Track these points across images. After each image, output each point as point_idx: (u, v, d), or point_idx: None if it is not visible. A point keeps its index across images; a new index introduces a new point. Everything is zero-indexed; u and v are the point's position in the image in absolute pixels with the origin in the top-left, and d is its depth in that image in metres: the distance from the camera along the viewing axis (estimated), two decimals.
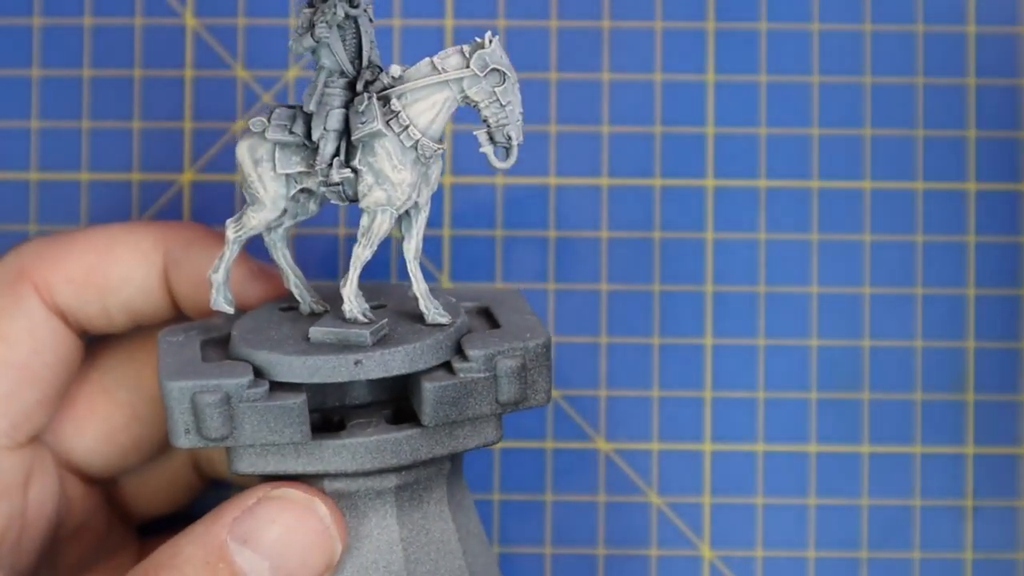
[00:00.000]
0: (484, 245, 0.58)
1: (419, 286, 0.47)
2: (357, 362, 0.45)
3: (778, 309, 0.58)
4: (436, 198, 0.58)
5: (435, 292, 0.48)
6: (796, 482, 0.58)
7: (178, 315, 0.51)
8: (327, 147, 0.46)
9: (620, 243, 0.58)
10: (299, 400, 0.45)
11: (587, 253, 0.58)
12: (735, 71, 0.59)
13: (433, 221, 0.58)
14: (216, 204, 0.59)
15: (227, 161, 0.59)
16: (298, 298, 0.49)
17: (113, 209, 0.59)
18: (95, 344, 0.53)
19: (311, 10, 0.46)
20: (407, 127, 0.46)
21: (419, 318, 0.47)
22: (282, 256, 0.49)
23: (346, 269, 0.47)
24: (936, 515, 0.58)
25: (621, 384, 0.58)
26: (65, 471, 0.51)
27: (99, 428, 0.51)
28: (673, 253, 0.58)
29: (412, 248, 0.47)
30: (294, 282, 0.49)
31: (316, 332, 0.46)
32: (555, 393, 0.58)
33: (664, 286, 0.58)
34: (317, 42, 0.46)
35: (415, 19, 0.59)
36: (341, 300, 0.47)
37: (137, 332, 0.52)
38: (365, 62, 0.47)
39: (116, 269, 0.50)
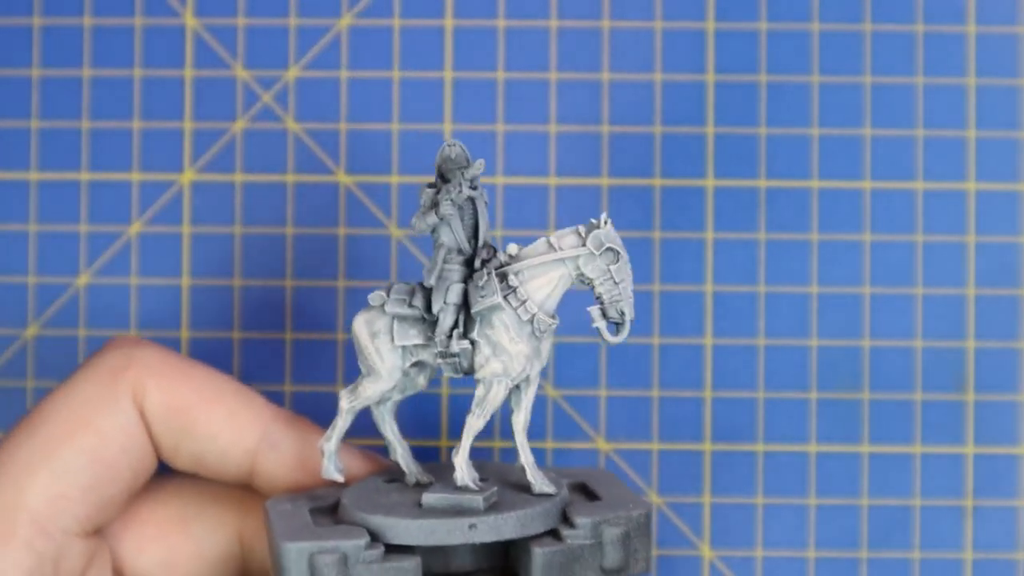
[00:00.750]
0: None
1: (527, 458, 0.49)
2: (471, 526, 0.46)
3: (778, 309, 0.58)
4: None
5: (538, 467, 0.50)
6: (796, 482, 0.58)
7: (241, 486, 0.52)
8: (447, 319, 0.48)
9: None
10: (414, 562, 0.46)
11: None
12: (735, 71, 0.59)
13: None
14: (216, 204, 0.59)
15: (227, 161, 0.59)
16: (404, 469, 0.50)
17: (113, 209, 0.59)
18: (181, 475, 0.53)
19: (433, 190, 0.48)
20: (524, 302, 0.48)
21: (525, 488, 0.49)
22: (390, 429, 0.50)
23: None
24: (936, 515, 0.58)
25: (621, 384, 0.58)
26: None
27: (161, 554, 0.52)
28: (673, 253, 0.58)
29: (521, 420, 0.49)
30: (401, 454, 0.50)
31: (429, 498, 0.48)
32: (555, 393, 0.58)
33: (664, 286, 0.58)
34: (441, 220, 0.48)
35: (415, 19, 0.59)
36: (446, 472, 0.49)
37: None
38: (481, 241, 0.49)
39: (206, 424, 0.51)
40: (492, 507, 0.47)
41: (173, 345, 0.58)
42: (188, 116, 0.59)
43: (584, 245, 0.48)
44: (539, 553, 0.47)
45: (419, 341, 0.48)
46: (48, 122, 0.59)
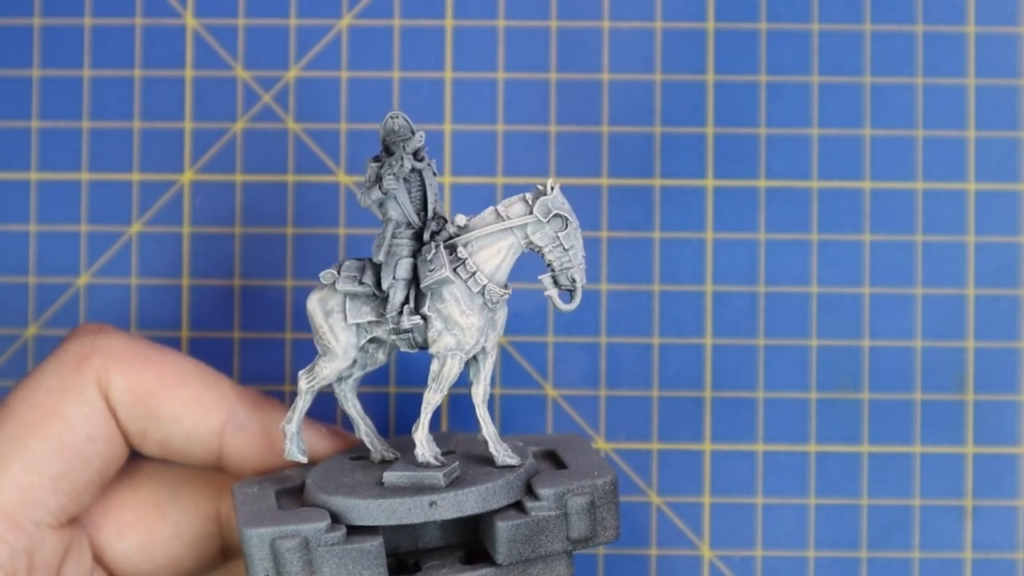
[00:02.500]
0: None
1: (488, 429, 0.48)
2: (432, 503, 0.46)
3: (778, 309, 0.58)
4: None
5: (503, 437, 0.49)
6: (796, 482, 0.58)
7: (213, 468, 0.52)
8: (396, 295, 0.48)
9: (620, 243, 0.58)
10: (376, 543, 0.46)
11: (588, 253, 0.58)
12: (735, 71, 0.59)
13: None
14: (216, 204, 0.59)
15: (227, 161, 0.59)
16: (369, 446, 0.50)
17: (113, 209, 0.59)
18: (156, 460, 0.53)
19: (377, 164, 0.48)
20: (474, 273, 0.47)
21: (489, 461, 0.48)
22: (352, 406, 0.50)
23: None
24: (936, 515, 0.58)
25: (621, 384, 0.58)
26: (97, 563, 0.52)
27: (139, 538, 0.52)
28: (673, 253, 0.58)
29: (480, 392, 0.48)
30: (365, 431, 0.50)
31: (390, 476, 0.47)
32: (555, 393, 0.58)
33: (664, 286, 0.58)
34: (385, 194, 0.48)
35: (415, 19, 0.59)
36: (412, 447, 0.48)
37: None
38: (430, 213, 0.48)
39: (171, 408, 0.50)
40: (454, 483, 0.47)
41: (173, 345, 0.58)
42: (188, 116, 0.59)
43: (531, 213, 0.47)
44: (503, 527, 0.46)
45: (372, 318, 0.48)
46: (48, 122, 0.59)
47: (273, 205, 0.59)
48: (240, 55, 0.59)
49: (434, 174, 0.49)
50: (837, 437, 0.58)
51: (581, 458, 0.50)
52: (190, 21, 0.59)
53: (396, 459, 0.49)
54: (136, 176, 0.59)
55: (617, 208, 0.58)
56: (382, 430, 0.57)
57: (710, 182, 0.59)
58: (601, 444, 0.58)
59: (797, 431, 0.58)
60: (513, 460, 0.48)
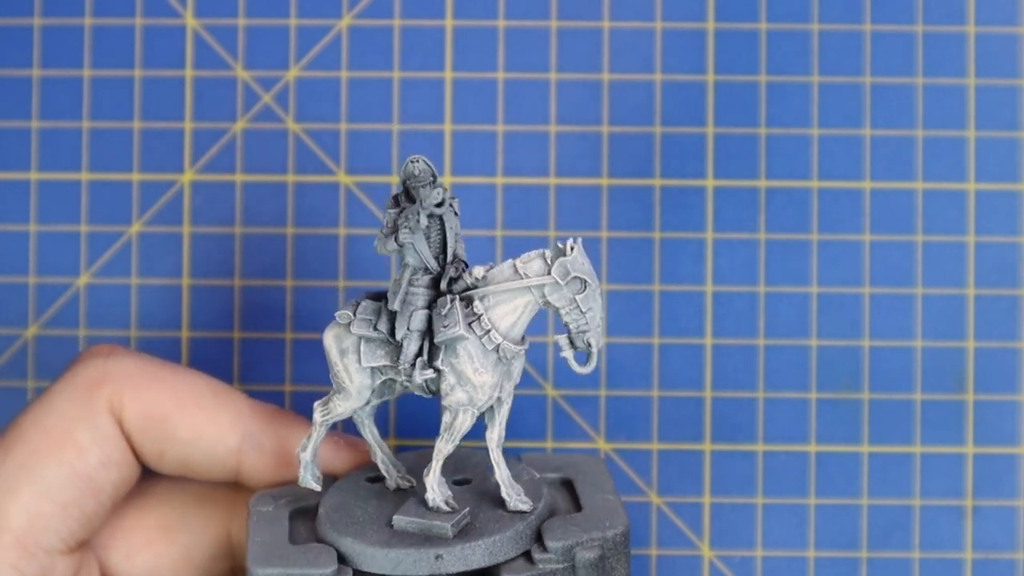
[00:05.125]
0: (485, 245, 0.58)
1: (501, 473, 0.48)
2: (438, 556, 0.46)
3: (778, 309, 0.58)
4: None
5: (519, 468, 0.49)
6: (796, 482, 0.58)
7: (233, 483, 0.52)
8: (410, 347, 0.47)
9: (620, 243, 0.58)
10: None
11: (588, 253, 0.58)
12: (735, 71, 0.59)
13: None
14: (216, 204, 0.59)
15: (227, 161, 0.59)
16: (384, 473, 0.50)
17: (113, 209, 0.59)
18: (166, 481, 0.53)
19: (396, 210, 0.47)
20: (489, 331, 0.46)
21: (502, 501, 0.48)
22: (369, 432, 0.50)
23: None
24: (936, 515, 0.58)
25: (621, 384, 0.58)
26: None
27: (149, 560, 0.52)
28: (673, 253, 0.58)
29: (495, 438, 0.48)
30: (381, 458, 0.50)
31: (400, 520, 0.47)
32: (555, 393, 0.58)
33: (664, 286, 0.58)
34: (401, 247, 0.47)
35: (415, 19, 0.59)
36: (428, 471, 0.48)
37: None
38: (450, 256, 0.47)
39: (188, 428, 0.50)
40: (462, 532, 0.46)
41: (173, 345, 0.58)
42: (188, 116, 0.59)
43: (550, 273, 0.46)
44: None
45: (386, 362, 0.47)
46: (48, 122, 0.59)
47: (273, 205, 0.59)
48: (240, 55, 0.59)
49: (455, 214, 0.48)
50: (837, 437, 0.58)
51: (597, 498, 0.49)
52: (190, 21, 0.59)
53: (411, 486, 0.49)
54: (136, 176, 0.59)
55: (617, 208, 0.58)
56: (383, 432, 0.57)
57: (710, 182, 0.59)
58: (601, 444, 0.58)
59: (797, 431, 0.58)
60: (525, 506, 0.47)
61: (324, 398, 0.49)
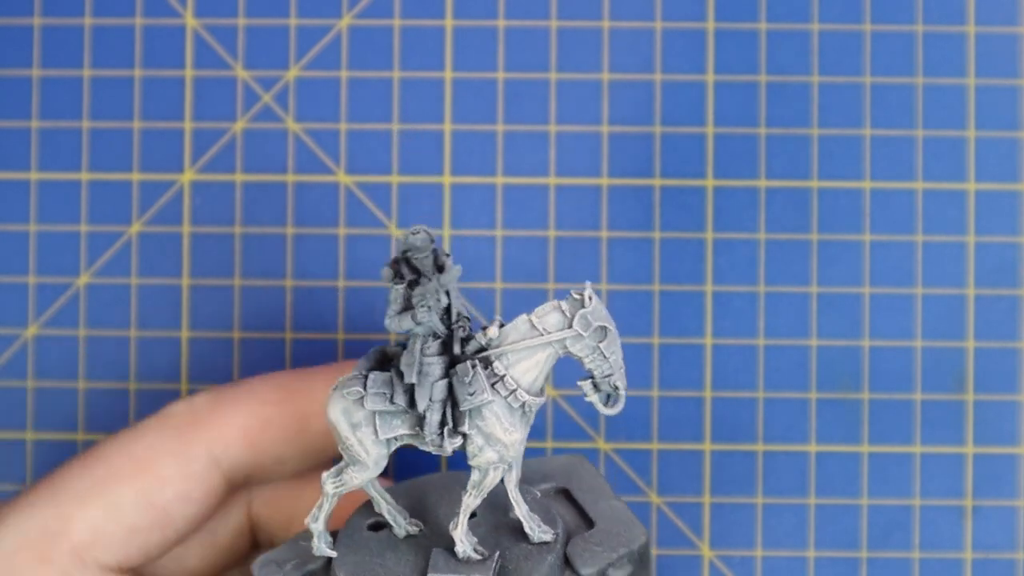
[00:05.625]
0: (484, 245, 0.58)
1: (520, 510, 0.47)
2: None
3: (778, 309, 0.58)
4: (436, 197, 0.58)
5: (521, 489, 0.48)
6: (796, 482, 0.58)
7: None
8: (434, 416, 0.46)
9: (620, 243, 0.58)
10: None
11: (587, 253, 0.58)
12: (735, 71, 0.59)
13: (433, 220, 0.58)
14: (216, 204, 0.59)
15: (227, 161, 0.59)
16: (392, 523, 0.49)
17: (113, 209, 0.59)
18: None
19: (402, 286, 0.46)
20: (514, 391, 0.46)
21: (516, 528, 0.48)
22: (371, 485, 0.48)
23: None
24: (936, 515, 0.58)
25: None
26: None
27: (172, 563, 0.52)
28: (673, 253, 0.58)
29: (513, 477, 0.47)
30: (387, 508, 0.49)
31: None
32: (554, 393, 0.58)
33: (664, 286, 0.58)
34: (419, 325, 0.46)
35: (415, 19, 0.59)
36: (432, 508, 0.48)
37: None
38: (455, 316, 0.46)
39: (277, 455, 0.51)
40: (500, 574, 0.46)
41: (173, 345, 0.58)
42: (188, 116, 0.59)
43: (571, 326, 0.45)
44: None
45: (405, 431, 0.46)
46: (48, 122, 0.59)
47: (273, 205, 0.59)
48: (240, 55, 0.59)
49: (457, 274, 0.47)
50: (837, 437, 0.58)
51: (602, 506, 0.49)
52: (190, 21, 0.59)
53: (420, 531, 0.49)
54: (136, 176, 0.59)
55: (617, 208, 0.58)
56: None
57: (710, 182, 0.59)
58: (601, 444, 0.58)
59: (797, 431, 0.58)
60: (548, 536, 0.47)
61: (334, 469, 0.47)
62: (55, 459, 0.59)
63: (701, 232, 0.58)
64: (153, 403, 0.59)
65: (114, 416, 0.59)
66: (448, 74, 0.59)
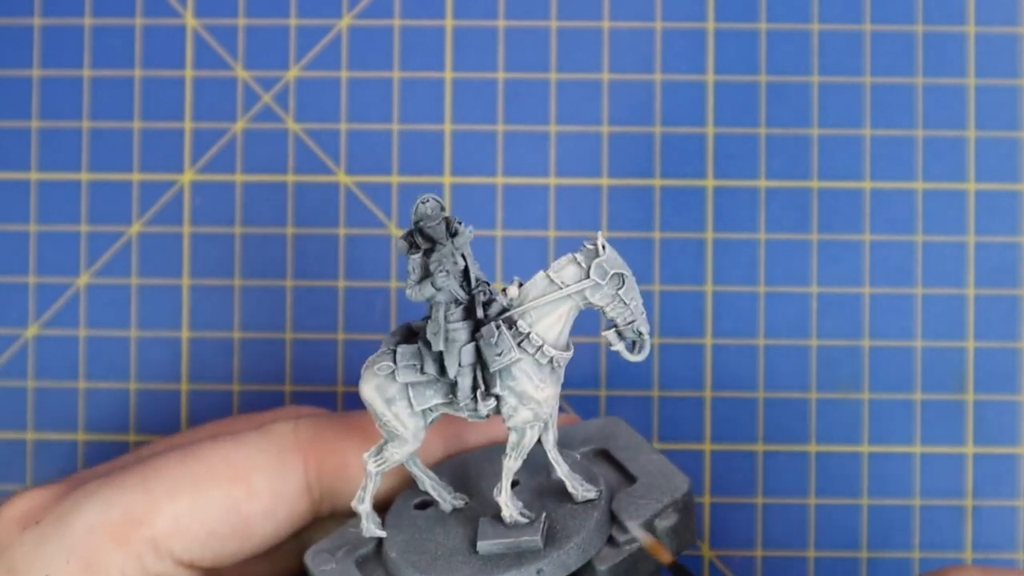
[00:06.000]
0: (484, 245, 0.58)
1: (562, 470, 0.48)
2: (539, 571, 0.46)
3: (778, 309, 0.58)
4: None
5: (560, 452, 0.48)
6: (796, 482, 0.58)
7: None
8: (465, 381, 0.47)
9: (620, 243, 0.58)
10: None
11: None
12: (735, 71, 0.59)
13: None
14: (216, 204, 0.59)
15: (227, 161, 0.59)
16: (437, 498, 0.49)
17: (113, 209, 0.59)
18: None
19: (419, 254, 0.46)
20: (541, 347, 0.46)
21: (555, 488, 0.48)
22: (414, 463, 0.49)
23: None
24: (936, 515, 0.58)
25: (621, 384, 0.58)
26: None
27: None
28: (673, 253, 0.58)
29: (551, 438, 0.48)
30: (431, 485, 0.49)
31: (485, 545, 0.47)
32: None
33: (664, 286, 0.58)
34: (439, 290, 0.46)
35: (415, 19, 0.59)
36: (476, 481, 0.48)
37: None
38: (474, 282, 0.47)
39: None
40: (548, 537, 0.47)
41: (173, 345, 0.58)
42: (188, 116, 0.59)
43: (588, 276, 0.46)
44: (603, 571, 0.46)
45: (438, 400, 0.47)
46: (48, 122, 0.59)
47: (273, 205, 0.59)
48: (240, 55, 0.59)
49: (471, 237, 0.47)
50: (837, 437, 0.58)
51: (642, 460, 0.49)
52: (190, 21, 0.59)
53: (466, 504, 0.49)
54: (136, 176, 0.59)
55: (617, 208, 0.58)
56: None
57: (710, 182, 0.59)
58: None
59: (797, 431, 0.58)
60: (592, 494, 0.48)
61: (374, 448, 0.48)
62: (55, 459, 0.59)
63: (701, 232, 0.58)
64: (153, 403, 0.59)
65: (114, 416, 0.59)
66: (448, 74, 0.59)
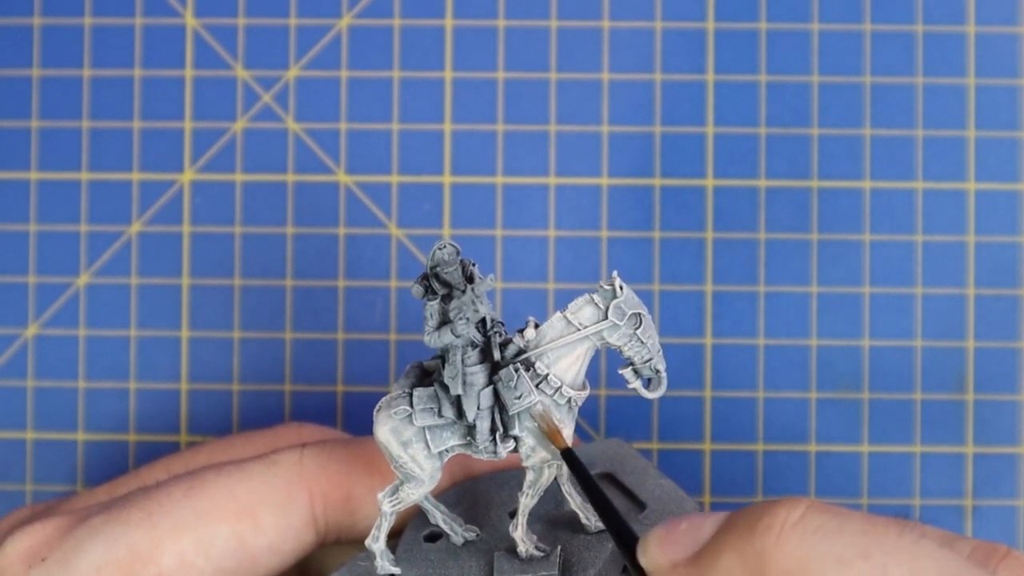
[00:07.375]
0: (484, 245, 0.58)
1: (576, 501, 0.48)
2: None
3: (778, 309, 0.58)
4: (436, 197, 0.58)
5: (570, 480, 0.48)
6: (796, 482, 0.58)
7: None
8: (484, 424, 0.46)
9: (620, 243, 0.58)
10: None
11: (588, 253, 0.58)
12: (735, 71, 0.59)
13: (434, 220, 0.58)
14: (216, 204, 0.59)
15: (227, 161, 0.59)
16: (448, 532, 0.49)
17: (113, 209, 0.59)
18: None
19: (436, 301, 0.46)
20: (559, 388, 0.46)
21: (570, 520, 0.48)
22: (425, 498, 0.49)
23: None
24: (936, 515, 0.58)
25: (622, 384, 0.58)
26: None
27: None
28: (673, 253, 0.58)
29: (565, 472, 0.48)
30: (441, 519, 0.49)
31: None
32: None
33: (665, 286, 0.58)
34: (458, 338, 0.46)
35: (415, 19, 0.59)
36: (484, 512, 0.48)
37: None
38: (489, 323, 0.47)
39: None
40: (564, 570, 0.46)
41: (173, 345, 0.58)
42: (188, 116, 0.59)
43: (607, 317, 0.46)
44: None
45: (456, 441, 0.47)
46: (48, 122, 0.59)
47: (273, 205, 0.59)
48: (240, 55, 0.59)
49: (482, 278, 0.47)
50: (837, 437, 0.58)
51: (650, 486, 0.49)
52: (190, 21, 0.59)
53: (478, 537, 0.49)
54: (136, 176, 0.59)
55: (617, 208, 0.58)
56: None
57: (710, 182, 0.59)
58: None
59: (797, 431, 0.58)
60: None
61: (389, 488, 0.47)
62: (55, 459, 0.59)
63: (701, 232, 0.58)
64: (153, 403, 0.59)
65: (114, 416, 0.59)
66: (448, 74, 0.59)
